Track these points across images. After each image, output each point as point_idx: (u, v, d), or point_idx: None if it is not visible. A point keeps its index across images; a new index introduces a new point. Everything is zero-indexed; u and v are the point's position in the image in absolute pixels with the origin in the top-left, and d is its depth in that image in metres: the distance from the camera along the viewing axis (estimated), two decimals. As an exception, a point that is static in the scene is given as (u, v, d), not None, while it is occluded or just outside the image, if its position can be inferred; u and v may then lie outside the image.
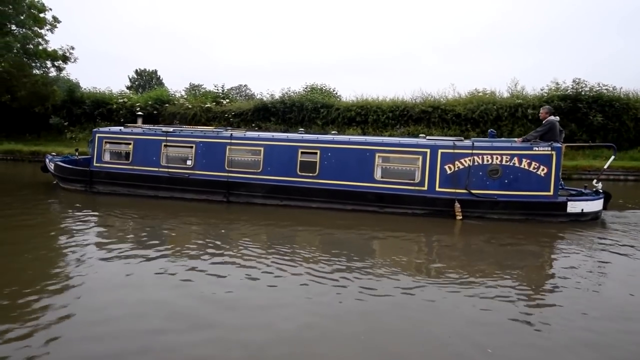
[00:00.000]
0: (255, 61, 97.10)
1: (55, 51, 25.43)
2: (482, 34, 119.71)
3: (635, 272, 6.92)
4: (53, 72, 26.71)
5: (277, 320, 4.98)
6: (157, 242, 8.01)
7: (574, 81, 21.64)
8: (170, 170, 12.15)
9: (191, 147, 12.09)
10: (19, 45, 23.43)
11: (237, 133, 12.35)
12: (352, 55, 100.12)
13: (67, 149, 20.73)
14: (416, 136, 13.31)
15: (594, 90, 21.35)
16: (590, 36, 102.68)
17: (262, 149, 11.64)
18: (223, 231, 9.15)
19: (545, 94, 22.00)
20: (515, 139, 10.83)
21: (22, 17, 23.49)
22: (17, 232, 8.70)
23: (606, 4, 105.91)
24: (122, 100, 27.68)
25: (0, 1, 22.22)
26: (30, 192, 13.25)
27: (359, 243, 8.61)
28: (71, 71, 72.47)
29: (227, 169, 11.78)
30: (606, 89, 21.47)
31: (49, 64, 25.86)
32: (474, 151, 10.33)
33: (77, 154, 14.65)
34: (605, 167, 11.18)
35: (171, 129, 12.71)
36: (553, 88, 22.12)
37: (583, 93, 21.23)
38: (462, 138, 11.86)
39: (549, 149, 10.00)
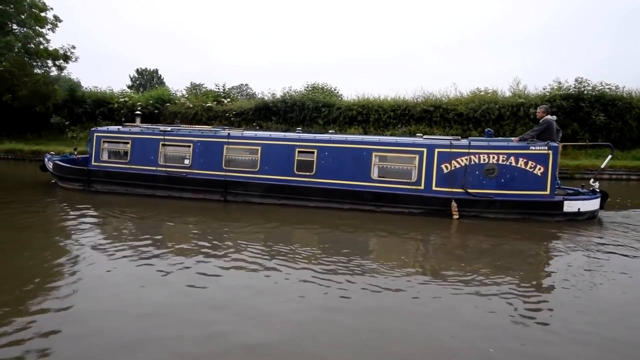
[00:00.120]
0: (256, 61, 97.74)
1: (56, 50, 25.66)
2: (482, 34, 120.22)
3: (631, 271, 6.95)
4: (54, 72, 27.01)
5: (277, 319, 5.03)
6: (155, 241, 8.10)
7: (576, 80, 21.69)
8: (168, 169, 12.28)
9: (189, 146, 12.21)
10: (20, 44, 23.66)
11: (234, 132, 12.47)
12: (353, 55, 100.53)
13: (68, 149, 20.89)
14: (414, 135, 13.38)
15: (596, 89, 21.36)
16: (590, 36, 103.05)
17: (259, 148, 11.75)
18: (221, 230, 9.24)
19: (548, 93, 22.01)
20: (512, 138, 10.89)
21: (23, 17, 23.70)
22: (16, 231, 8.82)
23: (606, 4, 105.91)
24: (123, 100, 27.88)
25: (1, 0, 22.43)
26: (29, 191, 13.40)
27: (357, 243, 8.69)
28: (72, 70, 72.99)
29: (224, 168, 11.90)
30: (609, 88, 21.47)
31: (50, 63, 26.10)
32: (471, 150, 10.41)
33: (75, 153, 14.80)
34: (603, 166, 11.22)
35: (169, 128, 12.83)
36: (555, 87, 22.13)
37: (585, 92, 21.24)
38: (459, 137, 11.92)
39: (546, 148, 10.07)
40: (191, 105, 26.29)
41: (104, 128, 13.93)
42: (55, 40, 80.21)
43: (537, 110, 10.94)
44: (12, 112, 27.42)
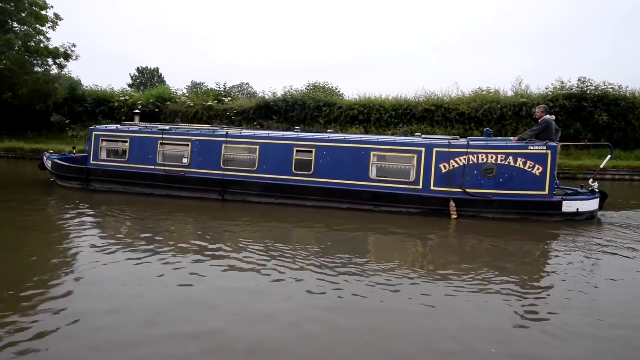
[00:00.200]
0: (257, 60, 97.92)
1: (57, 49, 25.80)
2: (483, 34, 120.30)
3: (629, 272, 7.00)
4: (55, 70, 27.14)
5: (278, 320, 5.06)
6: (153, 241, 8.15)
7: (579, 80, 21.73)
8: (166, 168, 12.36)
9: (187, 145, 12.29)
10: (20, 42, 23.84)
11: (232, 131, 12.54)
12: (354, 54, 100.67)
13: (69, 147, 20.94)
14: (413, 135, 13.43)
15: (599, 89, 21.40)
16: (590, 36, 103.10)
17: (257, 147, 11.82)
18: (219, 230, 9.32)
19: (551, 93, 22.05)
20: (511, 138, 10.93)
21: (23, 15, 23.87)
22: (14, 230, 8.90)
23: (606, 3, 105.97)
24: (123, 99, 28.05)
25: None
26: (28, 190, 13.50)
27: (356, 243, 8.74)
28: (73, 69, 73.20)
29: (222, 167, 11.98)
30: (612, 88, 21.50)
31: (50, 61, 26.24)
32: (469, 150, 10.45)
33: (74, 151, 14.90)
34: (602, 166, 11.25)
35: (167, 127, 12.91)
36: (558, 87, 22.17)
37: (588, 92, 21.26)
38: (458, 137, 11.97)
39: (545, 148, 10.11)
40: (192, 104, 26.40)
41: (103, 127, 14.04)
42: (56, 38, 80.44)
43: (536, 110, 10.99)
44: (12, 111, 27.58)
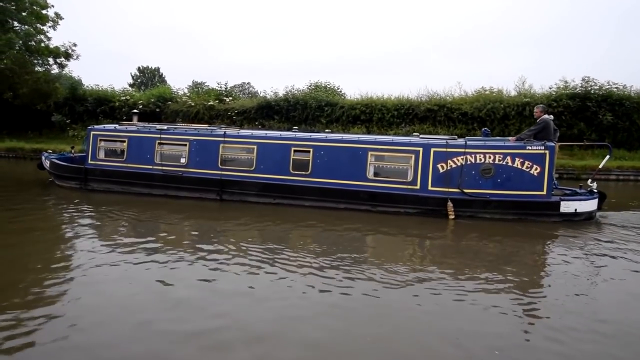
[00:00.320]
0: (258, 59, 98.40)
1: (57, 48, 26.02)
2: (482, 33, 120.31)
3: (628, 273, 7.05)
4: (55, 69, 27.36)
5: (278, 320, 5.11)
6: (151, 240, 8.20)
7: (583, 79, 21.77)
8: (164, 168, 12.49)
9: (185, 145, 12.42)
10: (21, 42, 24.05)
11: (230, 131, 12.66)
12: (356, 54, 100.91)
13: (69, 147, 21.21)
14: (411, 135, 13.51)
15: (603, 88, 21.41)
16: (590, 33, 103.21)
17: (255, 147, 11.93)
18: (217, 230, 9.39)
19: (554, 93, 22.07)
20: (509, 138, 11.00)
21: (24, 14, 24.08)
22: (10, 229, 8.99)
23: (605, 2, 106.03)
24: (124, 98, 28.27)
25: None
26: (26, 190, 13.64)
27: (353, 243, 8.78)
28: (73, 68, 73.65)
29: (220, 167, 12.09)
30: (616, 88, 21.51)
31: (51, 60, 26.45)
32: (467, 150, 10.52)
33: (72, 151, 15.05)
34: (601, 166, 11.30)
35: (165, 127, 13.04)
36: (562, 86, 22.20)
37: (592, 92, 21.28)
38: (456, 137, 12.05)
39: (542, 148, 10.17)
40: (193, 104, 26.57)
41: (101, 126, 14.18)
42: (57, 38, 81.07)
43: (535, 110, 11.06)
44: (13, 110, 27.82)
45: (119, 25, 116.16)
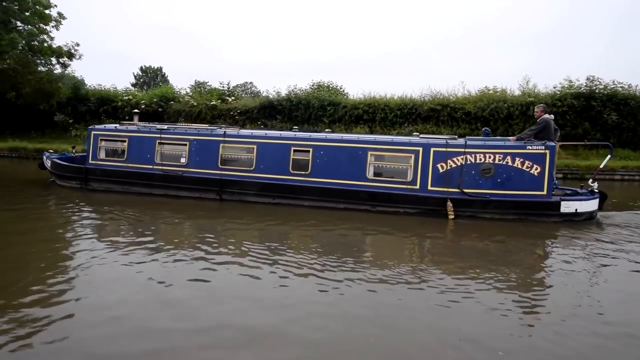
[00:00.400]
0: (261, 59, 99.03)
1: (60, 48, 26.17)
2: (482, 33, 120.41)
3: (628, 274, 7.07)
4: (58, 69, 27.56)
5: (282, 321, 5.13)
6: (151, 240, 8.29)
7: (587, 79, 21.69)
8: (164, 167, 12.58)
9: (185, 144, 12.51)
10: (24, 42, 24.21)
11: (230, 131, 12.74)
12: (359, 53, 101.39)
13: (71, 147, 21.34)
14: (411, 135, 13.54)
15: (608, 88, 21.34)
16: (589, 34, 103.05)
17: (255, 146, 12.00)
18: (217, 230, 9.47)
19: (558, 92, 22.01)
20: (509, 138, 11.01)
21: (27, 14, 24.25)
22: (11, 229, 9.09)
23: (605, 2, 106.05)
24: (127, 98, 28.43)
25: None
26: (27, 190, 13.75)
27: (353, 243, 8.82)
28: (76, 68, 74.13)
29: (220, 167, 12.17)
30: (621, 87, 21.44)
31: (53, 60, 26.64)
32: (467, 150, 10.55)
33: (73, 151, 15.18)
34: (601, 166, 11.28)
35: (165, 127, 13.14)
36: (566, 86, 22.13)
37: (597, 91, 21.22)
38: (456, 136, 12.08)
39: (543, 147, 10.18)
40: (195, 104, 26.69)
41: (101, 126, 14.31)
42: (59, 38, 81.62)
43: (535, 110, 11.07)
44: (15, 110, 28.02)
45: (121, 25, 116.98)
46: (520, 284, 6.55)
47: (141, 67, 59.03)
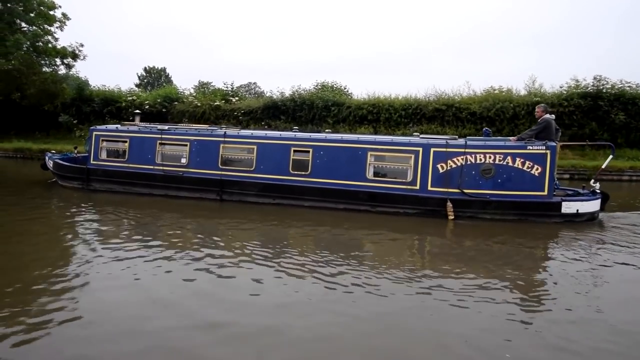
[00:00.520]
0: (264, 59, 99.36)
1: (64, 48, 26.36)
2: (482, 33, 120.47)
3: (627, 275, 7.08)
4: (62, 70, 27.70)
5: (285, 321, 5.18)
6: (151, 240, 8.38)
7: (594, 78, 21.57)
8: (165, 168, 12.72)
9: (185, 145, 12.64)
10: (28, 42, 24.43)
11: (230, 131, 12.85)
12: (363, 53, 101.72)
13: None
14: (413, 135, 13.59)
15: (615, 87, 21.23)
16: (590, 34, 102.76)
17: (255, 147, 12.11)
18: (217, 230, 9.57)
19: (565, 92, 21.93)
20: (510, 138, 11.04)
21: (32, 15, 24.49)
22: (12, 229, 9.23)
23: (605, 2, 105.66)
24: (131, 98, 28.67)
25: None
26: (30, 190, 13.91)
27: (354, 243, 8.88)
28: (80, 69, 74.88)
29: (220, 167, 12.29)
30: (629, 87, 21.32)
31: (58, 61, 26.79)
32: (467, 150, 10.59)
33: (75, 151, 15.37)
34: (604, 166, 11.29)
35: (166, 127, 13.28)
36: (573, 85, 22.04)
37: (604, 91, 21.13)
38: (457, 137, 12.12)
39: (544, 148, 10.20)
40: (199, 104, 26.87)
41: (103, 127, 14.49)
42: (64, 38, 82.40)
43: (536, 109, 11.07)
44: (20, 111, 28.38)
45: (125, 25, 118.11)
46: (521, 285, 6.56)
47: (145, 68, 59.75)
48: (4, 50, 22.67)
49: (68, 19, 26.16)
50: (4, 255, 7.43)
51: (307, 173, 11.62)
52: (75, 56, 26.91)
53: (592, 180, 10.94)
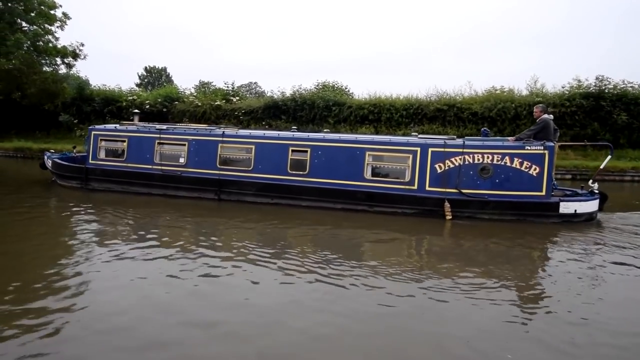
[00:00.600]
0: (265, 59, 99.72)
1: (65, 48, 26.43)
2: (482, 33, 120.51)
3: (626, 275, 7.10)
4: (63, 69, 27.76)
5: (285, 322, 5.21)
6: (149, 240, 8.43)
7: (596, 78, 21.57)
8: (163, 167, 12.81)
9: (184, 144, 12.72)
10: (29, 42, 24.54)
11: (229, 131, 12.93)
12: (364, 53, 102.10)
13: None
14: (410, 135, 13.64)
15: (618, 87, 21.23)
16: (590, 33, 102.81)
17: (253, 147, 12.18)
18: (215, 230, 9.62)
19: (567, 92, 21.95)
20: (508, 138, 11.08)
21: (32, 14, 24.61)
22: (13, 230, 9.30)
23: (605, 2, 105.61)
24: (131, 98, 28.81)
25: None
26: (28, 189, 14.04)
27: (352, 243, 8.91)
28: (81, 68, 75.15)
29: (218, 167, 12.37)
30: (631, 87, 21.31)
31: (58, 60, 26.86)
32: (465, 150, 10.64)
33: (74, 151, 15.48)
34: (602, 166, 11.30)
35: (164, 127, 13.36)
36: (575, 85, 22.05)
37: (607, 91, 21.13)
38: (455, 137, 12.17)
39: (542, 148, 10.24)
40: (200, 104, 26.99)
41: (101, 126, 14.59)
42: (64, 38, 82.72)
43: (534, 110, 11.11)
44: (21, 110, 28.53)
45: (126, 25, 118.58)
46: (520, 285, 6.58)
47: (145, 67, 59.87)
48: (4, 50, 22.77)
49: (69, 18, 26.24)
50: (3, 255, 7.48)
51: (305, 173, 11.69)
52: (75, 55, 26.96)
53: (591, 181, 10.98)
